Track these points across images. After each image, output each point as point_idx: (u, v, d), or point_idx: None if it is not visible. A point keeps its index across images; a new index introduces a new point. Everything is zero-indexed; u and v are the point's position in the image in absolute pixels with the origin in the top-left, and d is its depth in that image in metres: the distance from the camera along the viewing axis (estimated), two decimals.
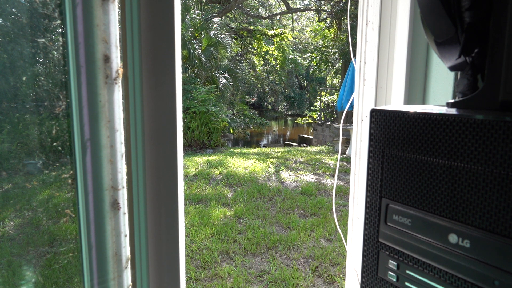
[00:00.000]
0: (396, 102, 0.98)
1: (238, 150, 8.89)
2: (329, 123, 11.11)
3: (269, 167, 6.27)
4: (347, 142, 8.06)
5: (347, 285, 1.17)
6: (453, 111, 0.44)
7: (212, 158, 6.92)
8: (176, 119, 0.67)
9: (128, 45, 0.61)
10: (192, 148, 8.89)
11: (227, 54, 11.03)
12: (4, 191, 0.65)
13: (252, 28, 17.49)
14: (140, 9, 0.61)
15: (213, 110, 8.98)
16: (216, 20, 11.28)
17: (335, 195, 4.76)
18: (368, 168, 0.52)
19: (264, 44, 17.93)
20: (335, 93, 13.81)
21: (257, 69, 20.24)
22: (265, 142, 16.21)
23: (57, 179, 0.67)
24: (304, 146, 10.65)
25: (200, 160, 6.61)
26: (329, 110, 12.68)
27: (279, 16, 19.08)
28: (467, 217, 0.41)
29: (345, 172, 5.95)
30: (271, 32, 17.72)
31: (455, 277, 0.43)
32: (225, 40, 10.83)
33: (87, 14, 0.54)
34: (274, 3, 18.62)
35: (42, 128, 0.66)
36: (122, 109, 0.61)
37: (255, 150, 9.30)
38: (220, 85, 10.47)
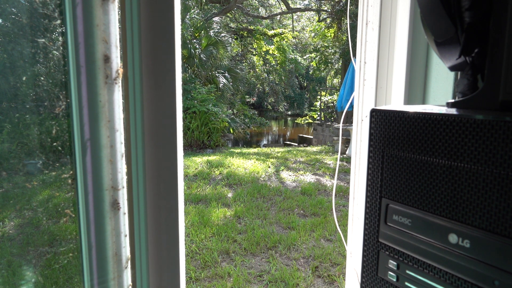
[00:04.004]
0: (396, 102, 0.98)
1: (238, 150, 8.89)
2: (329, 123, 11.10)
3: (269, 167, 6.27)
4: (347, 142, 8.06)
5: (347, 285, 1.17)
6: (453, 111, 0.44)
7: (212, 158, 6.92)
8: (176, 119, 0.67)
9: (128, 45, 0.61)
10: (192, 148, 8.88)
11: (227, 53, 11.03)
12: (4, 191, 0.65)
13: (252, 28, 17.47)
14: (140, 9, 0.61)
15: (213, 110, 8.98)
16: (216, 19, 11.29)
17: (335, 195, 4.76)
18: (368, 168, 0.52)
19: (264, 44, 17.92)
20: (335, 93, 13.81)
21: (257, 69, 20.23)
22: (265, 142, 16.21)
23: (57, 179, 0.67)
24: (304, 146, 10.65)
25: (200, 160, 6.61)
26: (329, 110, 12.68)
27: (279, 16, 19.07)
28: (467, 217, 0.41)
29: (345, 172, 5.95)
30: (271, 32, 17.70)
31: (455, 277, 0.43)
32: (225, 40, 10.83)
33: (87, 14, 0.54)
34: (274, 3, 18.61)
35: (42, 128, 0.66)
36: (122, 109, 0.61)
37: (255, 150, 9.30)
38: (220, 85, 10.47)
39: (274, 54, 18.51)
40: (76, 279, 0.66)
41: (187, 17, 10.19)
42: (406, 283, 0.48)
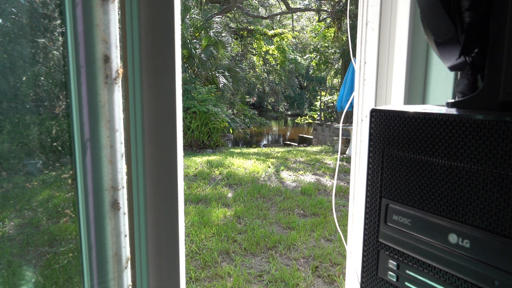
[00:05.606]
0: (396, 102, 0.98)
1: (238, 150, 8.89)
2: (329, 123, 11.11)
3: (269, 167, 6.27)
4: (347, 142, 8.06)
5: (347, 285, 1.17)
6: (453, 111, 0.44)
7: (212, 158, 6.92)
8: (176, 119, 0.67)
9: (128, 45, 0.61)
10: (192, 148, 8.88)
11: (227, 53, 11.03)
12: (4, 191, 0.65)
13: (252, 28, 17.47)
14: (140, 9, 0.61)
15: (213, 110, 8.98)
16: (216, 19, 11.29)
17: (335, 195, 4.76)
18: (368, 168, 0.52)
19: (264, 44, 17.91)
20: (335, 93, 13.81)
21: (257, 69, 20.23)
22: (265, 142, 16.21)
23: (57, 179, 0.66)
24: (304, 146, 10.65)
25: (200, 160, 6.60)
26: (329, 110, 12.69)
27: (279, 16, 19.06)
28: (467, 217, 0.41)
29: (345, 172, 5.95)
30: (271, 32, 17.70)
31: (455, 277, 0.43)
32: (225, 40, 10.83)
33: (87, 14, 0.54)
34: (274, 3, 18.61)
35: (42, 128, 0.66)
36: (122, 109, 0.61)
37: (255, 150, 9.30)
38: (220, 85, 10.47)
39: (274, 54, 18.51)
40: (76, 279, 0.66)
41: (187, 17, 10.19)
42: (406, 283, 0.48)
